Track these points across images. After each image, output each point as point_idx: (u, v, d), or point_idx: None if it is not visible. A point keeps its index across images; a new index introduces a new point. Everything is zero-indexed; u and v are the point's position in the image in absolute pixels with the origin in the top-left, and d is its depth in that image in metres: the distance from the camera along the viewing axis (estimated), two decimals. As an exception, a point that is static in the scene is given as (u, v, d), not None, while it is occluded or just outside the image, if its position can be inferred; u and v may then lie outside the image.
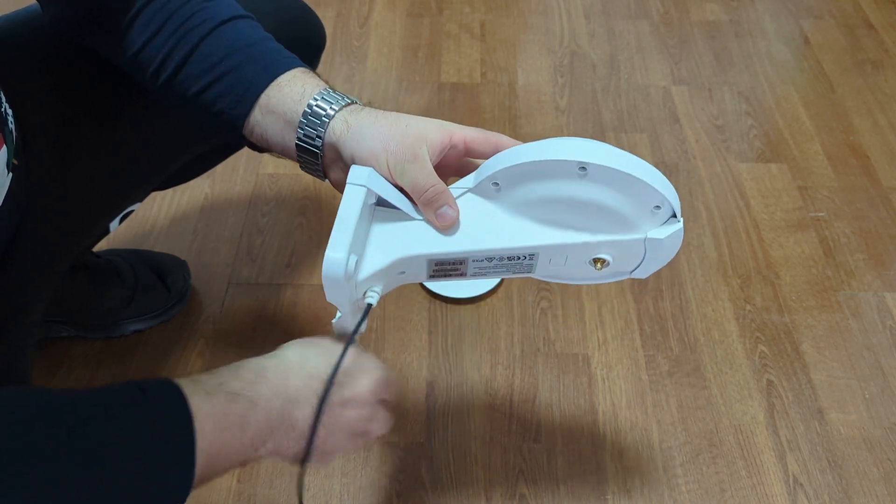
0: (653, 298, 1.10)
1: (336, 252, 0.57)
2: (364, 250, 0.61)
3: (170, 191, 1.24)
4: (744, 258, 1.15)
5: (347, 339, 0.61)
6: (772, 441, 0.95)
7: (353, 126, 0.61)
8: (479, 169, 0.62)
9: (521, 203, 0.61)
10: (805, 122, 1.38)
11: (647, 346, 1.04)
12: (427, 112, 1.38)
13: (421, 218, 0.62)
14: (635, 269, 0.64)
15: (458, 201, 0.61)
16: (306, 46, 0.79)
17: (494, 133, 0.63)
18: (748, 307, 1.09)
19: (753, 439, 0.95)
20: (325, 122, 0.61)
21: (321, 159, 0.63)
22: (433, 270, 0.63)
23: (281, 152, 0.65)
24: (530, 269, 0.63)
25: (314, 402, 0.56)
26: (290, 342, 0.60)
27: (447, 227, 0.60)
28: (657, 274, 1.13)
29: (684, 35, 1.58)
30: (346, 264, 0.57)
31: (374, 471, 0.91)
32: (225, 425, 0.51)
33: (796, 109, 1.41)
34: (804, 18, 1.62)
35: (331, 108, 0.61)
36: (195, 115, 0.69)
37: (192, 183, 1.24)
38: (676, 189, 1.25)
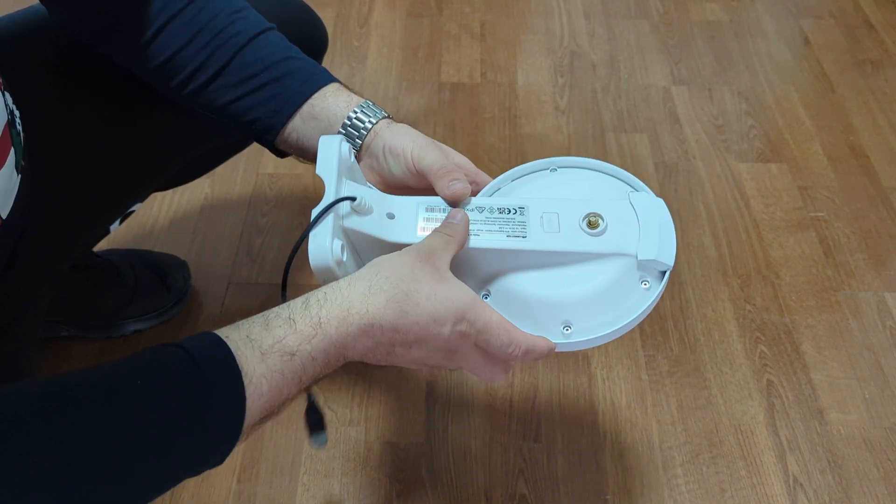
0: (653, 298, 1.10)
1: (319, 244, 0.56)
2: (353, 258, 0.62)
3: (170, 191, 1.24)
4: (744, 258, 1.15)
5: (308, 226, 0.58)
6: (772, 441, 0.95)
7: (389, 128, 0.67)
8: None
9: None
10: (805, 122, 1.38)
11: (647, 346, 1.04)
12: (427, 112, 1.38)
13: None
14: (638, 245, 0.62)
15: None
16: (309, 48, 0.79)
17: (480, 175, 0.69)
18: (748, 307, 1.09)
19: (753, 439, 0.95)
20: (363, 133, 0.67)
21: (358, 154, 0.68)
22: (425, 214, 0.63)
23: (313, 157, 0.64)
24: (524, 229, 0.61)
25: (370, 344, 0.53)
26: (370, 266, 0.55)
27: (458, 199, 0.63)
28: (657, 274, 1.13)
29: (684, 35, 1.58)
30: (332, 250, 0.56)
31: (374, 471, 0.91)
32: (282, 384, 0.50)
33: (796, 109, 1.41)
34: (804, 18, 1.63)
35: (369, 120, 0.67)
36: (220, 120, 0.72)
37: (192, 183, 1.24)
38: (676, 190, 1.26)
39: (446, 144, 0.68)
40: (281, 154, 0.74)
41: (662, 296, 1.12)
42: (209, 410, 0.47)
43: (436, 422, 0.96)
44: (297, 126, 0.69)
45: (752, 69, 1.50)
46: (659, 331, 1.06)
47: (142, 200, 0.95)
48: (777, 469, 0.92)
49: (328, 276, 0.57)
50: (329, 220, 0.57)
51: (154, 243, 1.17)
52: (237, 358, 0.48)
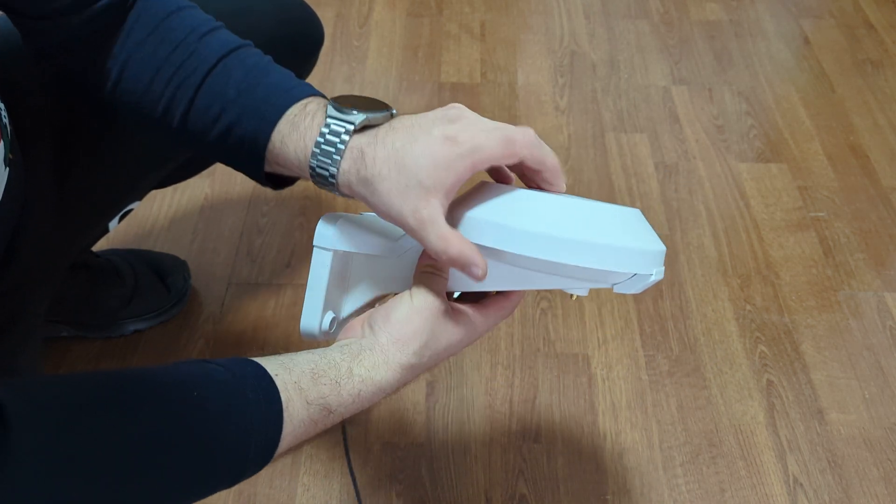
0: (653, 298, 1.10)
1: (309, 320, 0.61)
2: (345, 295, 0.64)
3: (170, 190, 1.24)
4: (744, 258, 1.15)
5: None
6: (772, 441, 0.95)
7: (358, 191, 0.57)
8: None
9: (495, 256, 0.57)
10: (805, 122, 1.38)
11: (647, 346, 1.04)
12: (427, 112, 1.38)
13: (396, 257, 0.64)
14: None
15: None
16: (305, 44, 0.79)
17: (550, 166, 0.56)
18: (748, 307, 1.09)
19: (753, 439, 0.95)
20: (333, 182, 0.59)
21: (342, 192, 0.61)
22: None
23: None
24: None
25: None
26: (395, 342, 0.57)
27: (479, 280, 0.55)
28: (657, 274, 1.13)
29: (684, 35, 1.58)
30: (321, 326, 0.61)
31: (374, 471, 0.91)
32: (312, 430, 0.55)
33: (796, 109, 1.41)
34: (804, 18, 1.62)
35: (330, 167, 0.58)
36: (223, 160, 0.67)
37: (192, 183, 1.24)
38: (676, 190, 1.26)
39: (474, 114, 0.58)
40: (287, 184, 0.68)
41: (662, 296, 1.12)
42: (248, 439, 0.51)
43: (436, 422, 0.96)
44: (279, 169, 0.63)
45: (752, 69, 1.50)
46: (659, 331, 1.06)
47: (140, 198, 0.95)
48: (777, 469, 0.92)
49: (315, 341, 0.63)
50: (322, 295, 0.61)
51: (154, 243, 1.17)
52: (285, 397, 0.53)
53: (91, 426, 0.46)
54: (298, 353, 0.57)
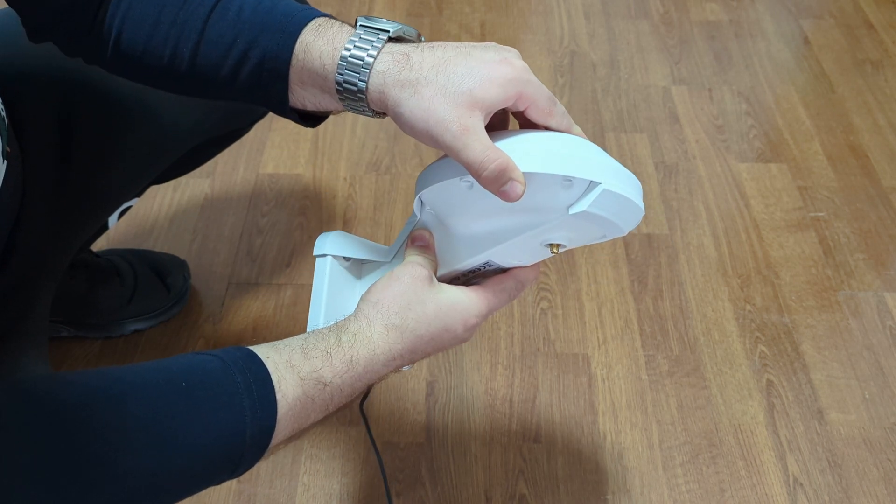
0: (653, 298, 1.10)
1: (314, 326, 0.62)
2: (349, 302, 0.64)
3: (170, 190, 1.24)
4: (744, 258, 1.15)
5: None
6: (772, 441, 0.95)
7: (391, 94, 0.53)
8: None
9: (457, 226, 0.62)
10: (805, 122, 1.38)
11: (647, 346, 1.04)
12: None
13: (389, 260, 0.66)
14: (605, 235, 0.60)
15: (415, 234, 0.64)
16: None
17: (558, 112, 0.56)
18: (748, 307, 1.09)
19: (753, 439, 0.95)
20: (363, 96, 0.54)
21: (372, 110, 0.57)
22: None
23: (341, 111, 0.60)
24: (500, 268, 0.64)
25: (392, 367, 0.59)
26: (374, 305, 0.58)
27: (514, 200, 0.53)
28: (657, 274, 1.13)
29: (684, 35, 1.58)
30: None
31: (374, 470, 0.91)
32: (311, 408, 0.54)
33: (796, 109, 1.41)
34: (804, 18, 1.62)
35: (363, 68, 0.54)
36: (242, 102, 0.63)
37: (192, 183, 1.25)
38: (676, 190, 1.25)
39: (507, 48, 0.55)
40: (314, 121, 0.62)
41: (662, 296, 1.12)
42: (243, 424, 0.51)
43: (436, 422, 0.96)
44: (302, 94, 0.58)
45: (752, 69, 1.50)
46: (659, 331, 1.06)
47: (139, 195, 0.95)
48: (777, 469, 0.92)
49: None
50: (323, 299, 0.63)
51: (154, 243, 1.17)
52: (276, 377, 0.53)
53: (80, 422, 0.46)
54: (288, 338, 0.57)
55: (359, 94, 0.54)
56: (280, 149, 1.32)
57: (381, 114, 0.57)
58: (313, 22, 0.57)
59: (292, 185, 1.25)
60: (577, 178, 0.53)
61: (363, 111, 0.56)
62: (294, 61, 0.57)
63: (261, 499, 0.89)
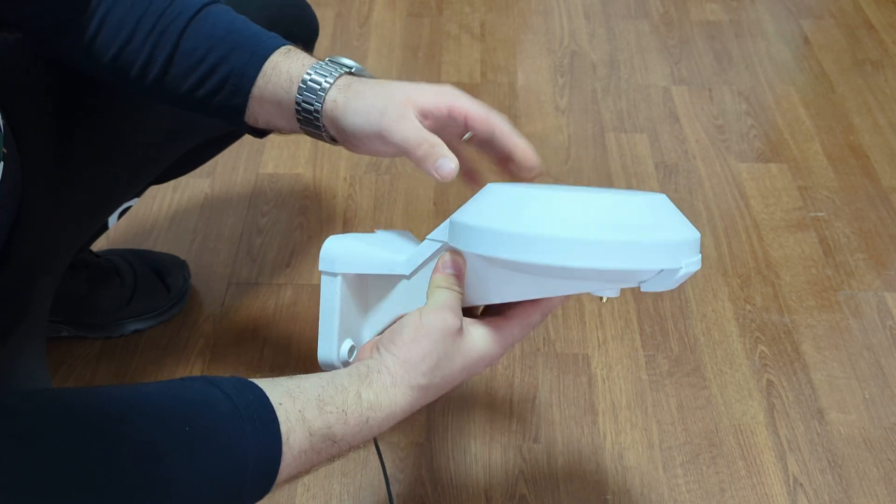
0: (653, 298, 1.10)
1: (326, 350, 0.59)
2: (364, 318, 0.62)
3: (170, 190, 1.24)
4: (744, 258, 1.15)
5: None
6: (772, 441, 0.95)
7: (340, 102, 0.61)
8: (450, 223, 0.56)
9: (499, 272, 0.55)
10: (805, 122, 1.38)
11: (647, 346, 1.04)
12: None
13: (408, 277, 0.60)
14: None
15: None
16: (299, 36, 0.79)
17: (496, 115, 0.62)
18: (748, 307, 1.09)
19: (753, 439, 0.95)
20: (321, 95, 0.62)
21: (328, 133, 0.64)
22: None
23: (289, 131, 0.66)
24: None
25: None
26: (403, 364, 0.55)
27: (448, 179, 0.58)
28: (657, 274, 1.13)
29: (684, 35, 1.58)
30: (338, 355, 0.59)
31: (374, 471, 0.91)
32: (316, 460, 0.53)
33: (796, 109, 1.41)
34: (804, 18, 1.63)
35: (325, 80, 0.62)
36: (193, 111, 0.68)
37: (192, 183, 1.25)
38: (676, 190, 1.25)
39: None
40: (260, 134, 0.70)
41: (662, 296, 1.12)
42: (243, 473, 0.50)
43: (436, 422, 0.96)
44: (258, 110, 0.65)
45: (752, 69, 1.50)
46: (659, 331, 1.06)
47: (139, 195, 0.95)
48: (777, 469, 0.92)
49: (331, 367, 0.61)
50: (336, 322, 0.60)
51: (154, 243, 1.17)
52: (285, 428, 0.51)
53: (75, 456, 0.44)
54: (307, 376, 0.54)
55: (314, 113, 0.62)
56: (280, 149, 1.32)
57: (334, 139, 0.64)
58: (284, 47, 0.65)
59: (292, 185, 1.25)
60: (660, 269, 0.50)
61: (318, 129, 0.63)
62: (259, 79, 0.64)
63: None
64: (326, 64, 0.63)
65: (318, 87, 0.61)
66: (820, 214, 1.22)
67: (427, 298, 0.57)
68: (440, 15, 1.62)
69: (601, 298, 0.56)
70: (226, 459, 0.49)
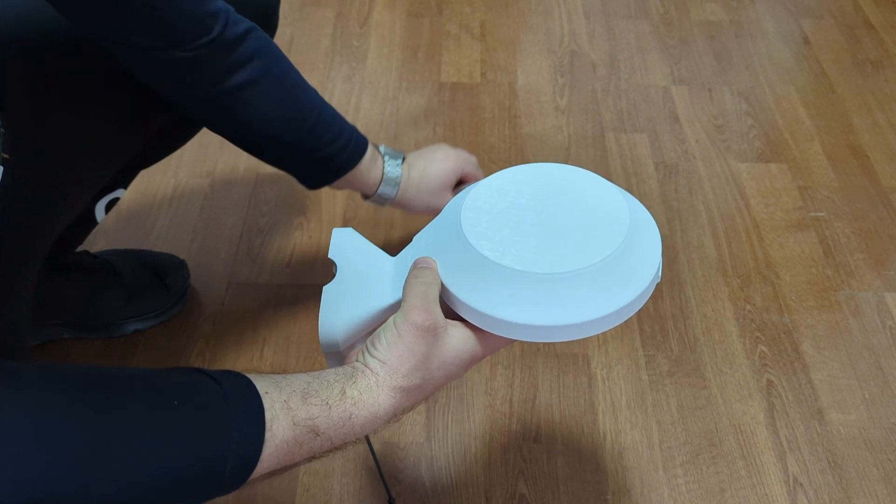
0: (653, 298, 1.10)
1: (328, 327, 0.61)
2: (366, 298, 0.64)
3: (169, 190, 1.24)
4: (744, 258, 1.15)
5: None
6: (772, 441, 0.95)
7: (400, 202, 0.98)
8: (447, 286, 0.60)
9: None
10: (805, 122, 1.38)
11: (647, 346, 1.04)
12: (427, 112, 1.38)
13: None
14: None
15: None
16: (255, 7, 0.82)
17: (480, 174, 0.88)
18: (748, 307, 1.09)
19: (753, 439, 0.95)
20: (396, 188, 0.96)
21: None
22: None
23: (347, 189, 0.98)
24: None
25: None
26: (382, 365, 0.57)
27: None
28: (657, 274, 1.13)
29: (684, 35, 1.58)
30: (343, 331, 0.61)
31: (375, 471, 0.91)
32: (297, 453, 0.54)
33: (796, 109, 1.41)
34: (804, 18, 1.63)
35: (394, 180, 0.95)
36: (281, 163, 0.93)
37: (192, 183, 1.25)
38: (676, 190, 1.26)
39: (447, 144, 0.68)
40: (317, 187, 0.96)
41: (662, 296, 1.12)
42: (225, 457, 0.50)
43: (436, 422, 0.96)
44: (339, 184, 0.93)
45: (752, 69, 1.50)
46: (659, 331, 1.06)
47: (125, 186, 0.95)
48: (777, 469, 0.92)
49: (334, 353, 0.63)
50: (332, 300, 0.62)
51: (154, 243, 1.17)
52: (269, 415, 0.52)
53: (65, 419, 0.46)
54: (294, 373, 0.56)
55: (388, 197, 0.97)
56: (280, 149, 1.31)
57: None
58: (369, 149, 0.93)
59: (292, 185, 1.25)
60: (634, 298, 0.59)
61: (380, 203, 0.99)
62: (359, 165, 0.91)
63: (261, 499, 0.89)
64: (393, 164, 0.95)
65: (392, 182, 0.96)
66: (820, 214, 1.22)
67: (403, 291, 0.59)
68: (440, 15, 1.62)
69: None
70: (211, 438, 0.50)
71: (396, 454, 0.93)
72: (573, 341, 1.04)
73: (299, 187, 1.25)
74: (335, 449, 0.56)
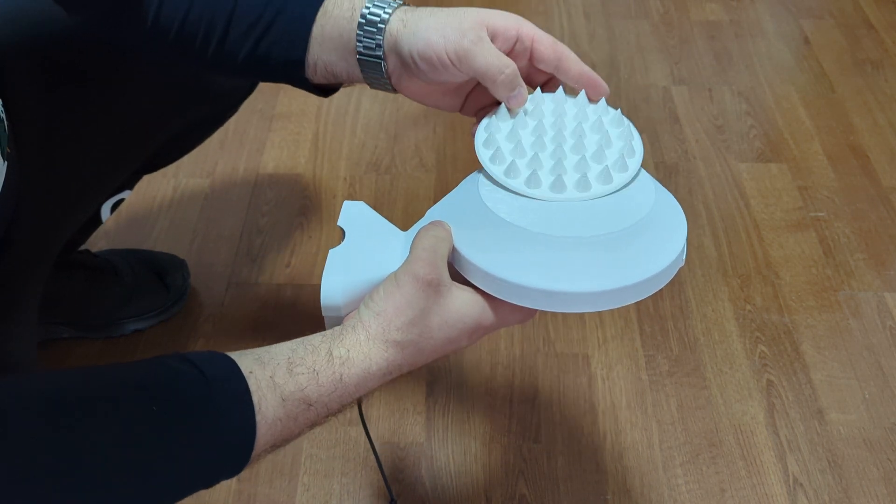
0: (653, 298, 1.10)
1: (329, 286, 0.58)
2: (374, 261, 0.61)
3: (170, 190, 1.24)
4: (744, 258, 1.15)
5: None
6: (772, 441, 0.95)
7: (408, 23, 0.59)
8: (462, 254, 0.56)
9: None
10: (805, 122, 1.38)
11: (647, 346, 1.04)
12: (427, 112, 1.38)
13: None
14: None
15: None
16: None
17: (561, 45, 0.61)
18: (748, 307, 1.09)
19: (753, 439, 0.95)
20: (382, 28, 0.60)
21: (386, 70, 0.62)
22: None
23: (347, 79, 0.65)
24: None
25: (387, 381, 0.55)
26: (377, 316, 0.54)
27: (517, 108, 0.60)
28: (657, 274, 1.13)
29: (684, 35, 1.58)
30: (343, 292, 0.58)
31: (374, 471, 0.91)
32: (293, 427, 0.52)
33: (796, 109, 1.41)
34: (804, 18, 1.62)
35: (384, 11, 0.60)
36: (257, 75, 0.68)
37: (191, 183, 1.25)
38: (676, 190, 1.25)
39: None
40: (325, 92, 0.69)
41: (662, 296, 1.12)
42: (217, 442, 0.49)
43: (436, 422, 0.96)
44: (319, 54, 0.63)
45: (752, 69, 1.50)
46: (659, 331, 1.06)
47: (131, 188, 0.95)
48: (777, 469, 0.92)
49: (334, 317, 0.59)
50: (337, 262, 0.59)
51: (154, 243, 1.17)
52: (256, 398, 0.50)
53: (34, 441, 0.44)
54: (279, 343, 0.53)
55: (377, 35, 0.60)
56: (280, 149, 1.32)
57: (394, 89, 0.64)
58: None
59: (292, 185, 1.25)
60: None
61: (379, 69, 0.62)
62: (319, 18, 0.62)
63: (261, 499, 0.89)
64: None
65: (378, 18, 0.60)
66: (820, 214, 1.22)
67: (411, 247, 0.56)
68: (440, 15, 1.61)
69: None
70: (200, 437, 0.48)
71: (396, 454, 0.93)
72: (573, 341, 1.04)
73: (299, 187, 1.26)
74: (332, 414, 0.54)
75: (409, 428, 0.96)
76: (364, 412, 0.97)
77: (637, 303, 1.08)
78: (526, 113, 0.62)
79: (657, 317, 1.08)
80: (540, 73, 0.64)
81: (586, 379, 1.01)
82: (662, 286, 0.56)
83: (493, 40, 0.59)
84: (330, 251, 0.60)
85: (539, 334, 1.05)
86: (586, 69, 0.63)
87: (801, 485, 0.91)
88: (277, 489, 0.90)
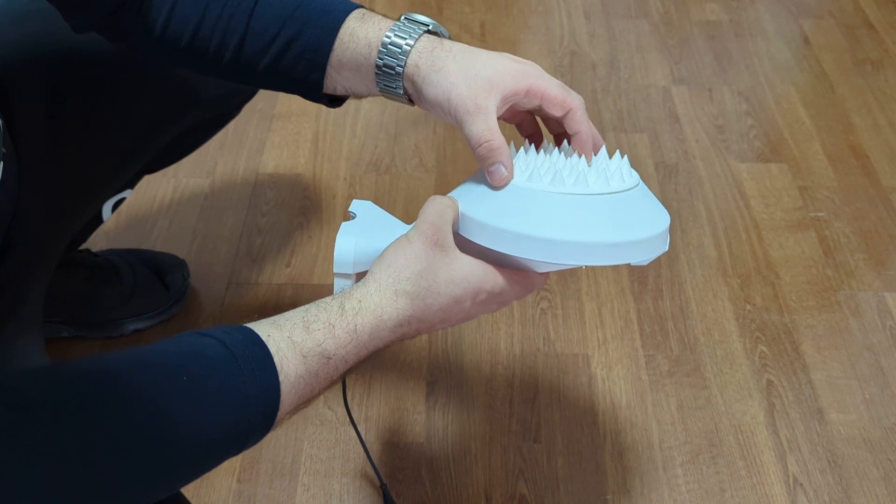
0: (653, 298, 1.10)
1: (343, 248, 0.62)
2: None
3: (170, 190, 1.24)
4: (744, 258, 1.15)
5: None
6: (772, 441, 0.95)
7: (423, 70, 0.62)
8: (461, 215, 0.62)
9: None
10: (805, 122, 1.38)
11: (647, 346, 1.04)
12: (427, 112, 1.38)
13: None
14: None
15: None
16: None
17: (574, 99, 0.62)
18: (748, 307, 1.09)
19: (753, 439, 0.95)
20: (400, 72, 0.62)
21: (405, 92, 0.66)
22: None
23: (367, 95, 0.68)
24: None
25: (398, 337, 0.58)
26: (387, 268, 0.57)
27: (498, 186, 0.61)
28: (657, 274, 1.13)
29: (684, 35, 1.58)
30: (354, 254, 0.61)
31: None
32: (315, 383, 0.54)
33: (796, 109, 1.41)
34: (804, 18, 1.63)
35: (403, 48, 0.62)
36: (272, 88, 0.70)
37: (191, 183, 1.25)
38: (676, 190, 1.25)
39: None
40: (338, 102, 0.71)
41: (662, 296, 1.12)
42: (246, 406, 0.51)
43: (436, 422, 0.96)
44: (337, 79, 0.66)
45: (752, 69, 1.50)
46: (659, 331, 1.06)
47: (132, 187, 0.95)
48: (777, 469, 0.92)
49: (344, 280, 0.63)
50: (351, 229, 0.63)
51: (154, 243, 1.17)
52: (278, 359, 0.52)
53: (83, 420, 0.46)
54: (291, 310, 0.56)
55: (395, 77, 0.63)
56: (280, 149, 1.32)
57: (411, 101, 0.67)
58: (357, 11, 0.65)
59: (292, 185, 1.25)
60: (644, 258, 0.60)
61: (396, 92, 0.65)
62: (336, 49, 0.64)
63: (261, 499, 0.89)
64: (404, 24, 0.63)
65: (399, 50, 0.62)
66: (820, 214, 1.22)
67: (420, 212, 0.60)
68: (440, 15, 1.62)
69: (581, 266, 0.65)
70: (228, 401, 0.50)
71: (396, 454, 0.93)
72: (573, 341, 1.04)
73: (299, 187, 1.26)
74: (350, 368, 0.56)
75: (409, 428, 0.96)
76: (363, 411, 0.97)
77: (637, 303, 1.08)
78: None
79: (657, 317, 1.08)
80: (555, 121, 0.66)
81: (586, 379, 1.01)
82: (649, 259, 0.60)
83: (502, 96, 0.61)
84: (343, 223, 0.64)
85: (539, 334, 1.05)
86: (587, 131, 0.64)
87: (801, 485, 0.91)
88: (277, 489, 0.90)
